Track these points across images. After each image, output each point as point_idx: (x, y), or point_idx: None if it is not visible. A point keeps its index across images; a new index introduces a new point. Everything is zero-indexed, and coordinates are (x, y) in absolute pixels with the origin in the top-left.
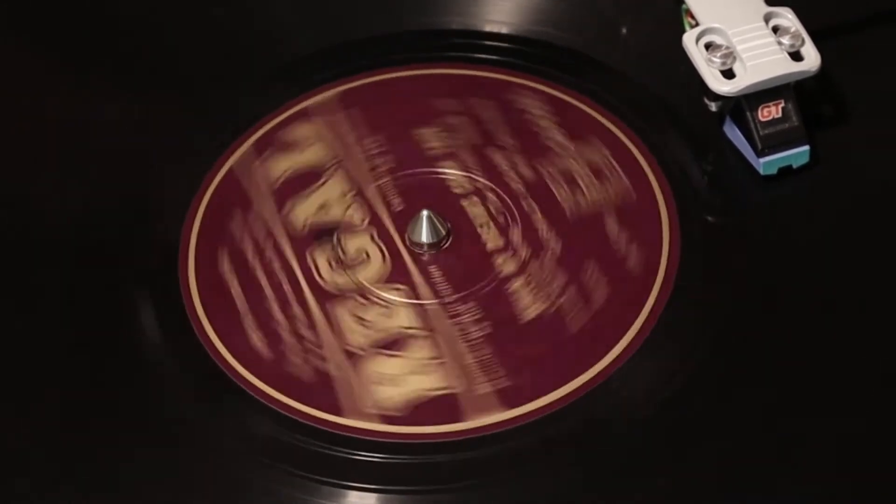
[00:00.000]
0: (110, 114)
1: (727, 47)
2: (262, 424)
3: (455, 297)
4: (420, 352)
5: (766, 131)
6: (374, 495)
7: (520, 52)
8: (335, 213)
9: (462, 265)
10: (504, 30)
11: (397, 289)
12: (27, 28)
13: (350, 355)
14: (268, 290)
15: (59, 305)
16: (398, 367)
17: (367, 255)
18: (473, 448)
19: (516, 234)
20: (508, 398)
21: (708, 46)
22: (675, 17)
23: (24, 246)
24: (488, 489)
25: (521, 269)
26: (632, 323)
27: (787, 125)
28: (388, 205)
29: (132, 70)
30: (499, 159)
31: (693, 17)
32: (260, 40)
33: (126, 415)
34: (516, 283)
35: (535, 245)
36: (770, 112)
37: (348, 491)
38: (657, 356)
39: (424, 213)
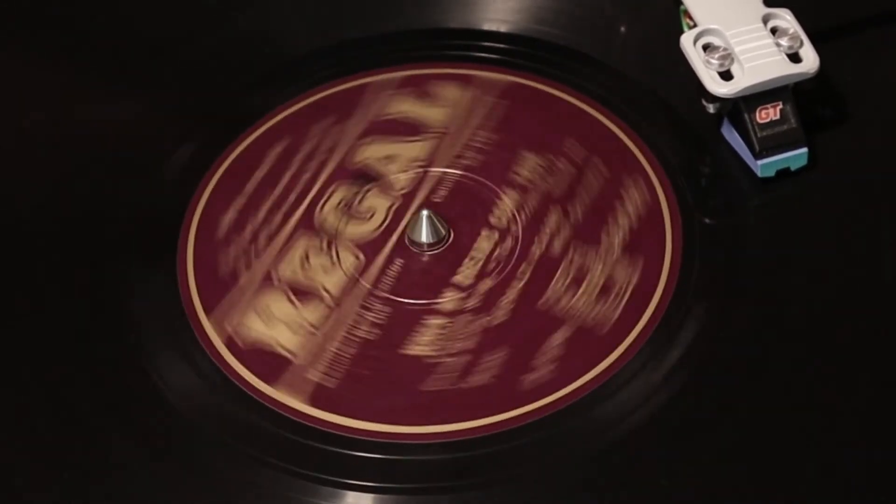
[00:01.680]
0: (108, 114)
1: (725, 48)
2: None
3: (383, 294)
4: (311, 313)
5: (764, 133)
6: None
7: (519, 50)
8: (392, 168)
9: (418, 276)
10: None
11: (356, 256)
12: (26, 28)
13: (266, 277)
14: (275, 195)
15: (55, 305)
16: (283, 312)
17: (371, 217)
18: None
19: (485, 285)
20: (313, 396)
21: (706, 48)
22: (674, 16)
23: (23, 246)
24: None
25: (455, 313)
26: (637, 319)
27: (785, 127)
28: (433, 191)
29: (131, 70)
30: (550, 221)
31: (691, 18)
32: (253, 40)
33: (120, 412)
34: (434, 321)
35: (487, 303)
36: (768, 114)
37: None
38: (661, 354)
39: (424, 212)
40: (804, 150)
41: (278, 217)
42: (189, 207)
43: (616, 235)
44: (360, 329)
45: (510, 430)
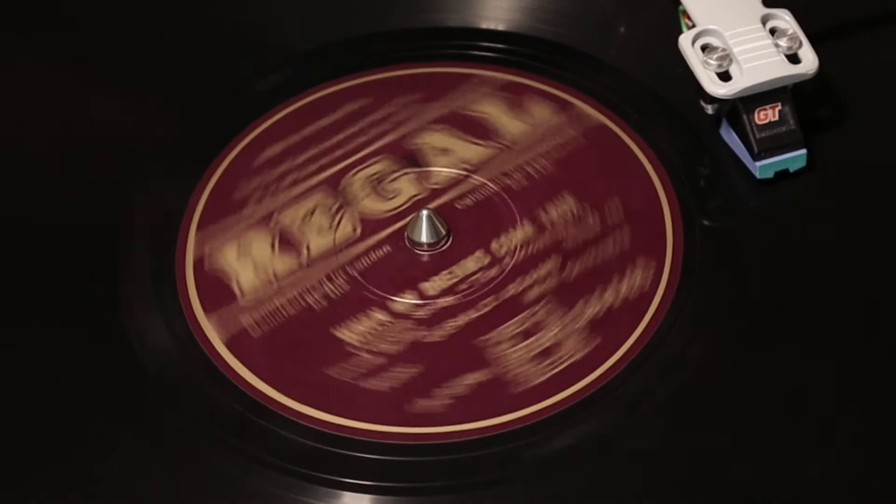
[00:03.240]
0: (106, 114)
1: (723, 49)
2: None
3: (352, 273)
4: (282, 264)
5: (763, 135)
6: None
7: (518, 49)
8: (441, 161)
9: (393, 269)
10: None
11: (354, 229)
12: (26, 28)
13: (267, 216)
14: (324, 146)
15: (52, 309)
16: (259, 253)
17: (393, 198)
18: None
19: (443, 303)
20: (232, 338)
21: (704, 48)
22: (674, 15)
23: (21, 248)
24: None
25: (397, 316)
26: (637, 320)
27: (783, 128)
28: (461, 197)
29: (128, 70)
30: (542, 269)
31: (690, 19)
32: (252, 40)
33: (120, 412)
34: (378, 315)
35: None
36: (767, 115)
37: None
38: (662, 354)
39: (424, 212)
40: (803, 151)
41: (313, 167)
42: (243, 130)
43: (591, 308)
44: (311, 295)
45: (362, 441)
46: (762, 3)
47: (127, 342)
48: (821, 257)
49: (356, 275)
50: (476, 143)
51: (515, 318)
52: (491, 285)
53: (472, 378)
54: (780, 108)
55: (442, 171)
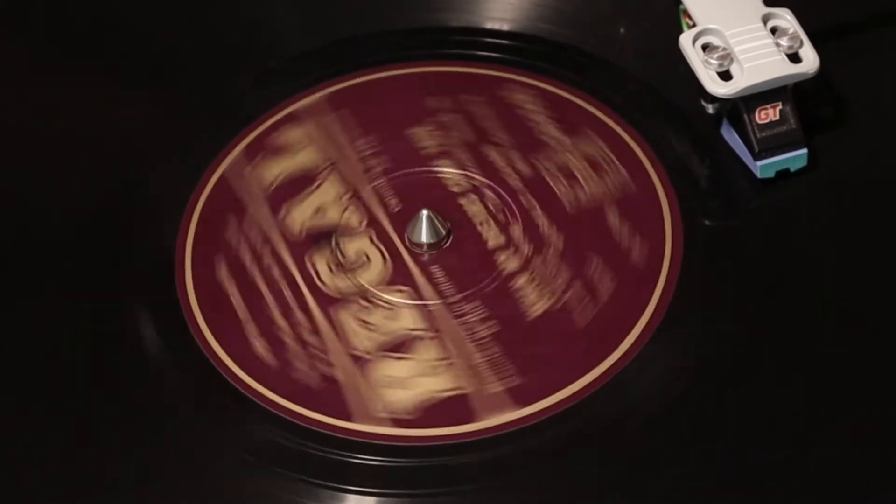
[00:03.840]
0: (104, 113)
1: (724, 48)
2: (270, 432)
3: (459, 296)
4: (427, 353)
5: (764, 134)
6: (388, 500)
7: (517, 48)
8: (332, 215)
9: (464, 264)
10: (504, 27)
11: (400, 290)
12: (23, 27)
13: (356, 359)
14: (268, 297)
15: (54, 315)
16: (406, 369)
17: (368, 257)
18: (486, 449)
19: (517, 231)
20: (519, 397)
21: (705, 47)
22: (675, 15)
23: (19, 250)
24: (501, 490)
25: (525, 266)
26: (637, 319)
27: (784, 128)
28: (385, 206)
29: (127, 70)
30: (495, 156)
31: (690, 18)
32: (251, 40)
33: (129, 425)
34: (520, 280)
35: (537, 241)
36: (767, 114)
37: (363, 497)
38: (662, 354)
39: (424, 212)
40: (804, 150)
41: (299, 315)
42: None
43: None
44: (478, 332)
45: (522, 430)
46: (763, 3)
47: (126, 342)
48: (821, 258)
49: (462, 299)
50: (317, 186)
51: (591, 234)
52: (541, 227)
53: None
54: (780, 107)
55: (344, 215)
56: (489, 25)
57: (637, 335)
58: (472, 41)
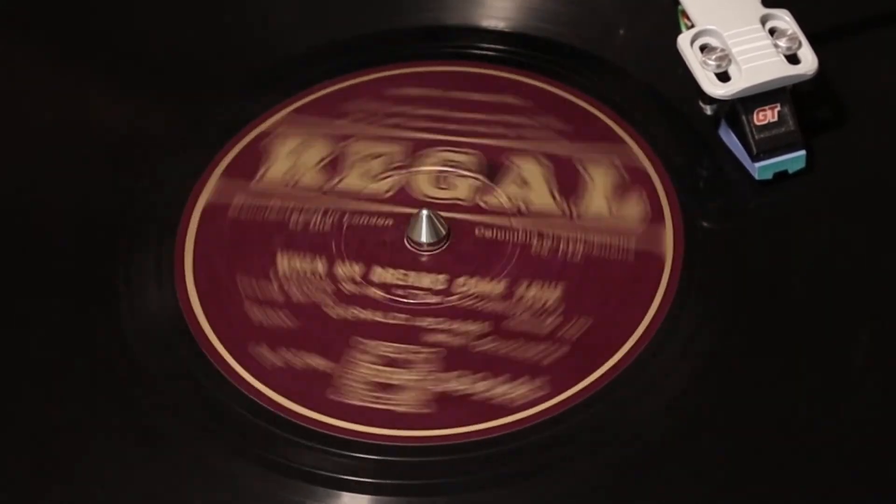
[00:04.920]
0: (104, 113)
1: (722, 49)
2: (271, 432)
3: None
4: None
5: (762, 136)
6: (387, 500)
7: (517, 48)
8: (509, 190)
9: (370, 242)
10: (501, 26)
11: (388, 189)
12: (23, 27)
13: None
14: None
15: (54, 315)
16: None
17: (446, 188)
18: (481, 450)
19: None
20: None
21: (703, 48)
22: (675, 15)
23: (17, 248)
24: (495, 493)
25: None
26: (638, 321)
27: (783, 129)
28: (490, 226)
29: (127, 70)
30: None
31: (689, 18)
32: (252, 39)
33: (129, 425)
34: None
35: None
36: (766, 116)
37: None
38: (662, 357)
39: (424, 212)
40: (802, 152)
41: (421, 124)
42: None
43: (459, 385)
44: (297, 215)
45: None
46: (761, 3)
47: (126, 340)
48: (820, 259)
49: (344, 224)
50: (552, 195)
51: (398, 345)
52: (417, 307)
53: (314, 361)
54: (779, 108)
55: (501, 196)
56: (487, 25)
57: (637, 337)
58: (469, 42)
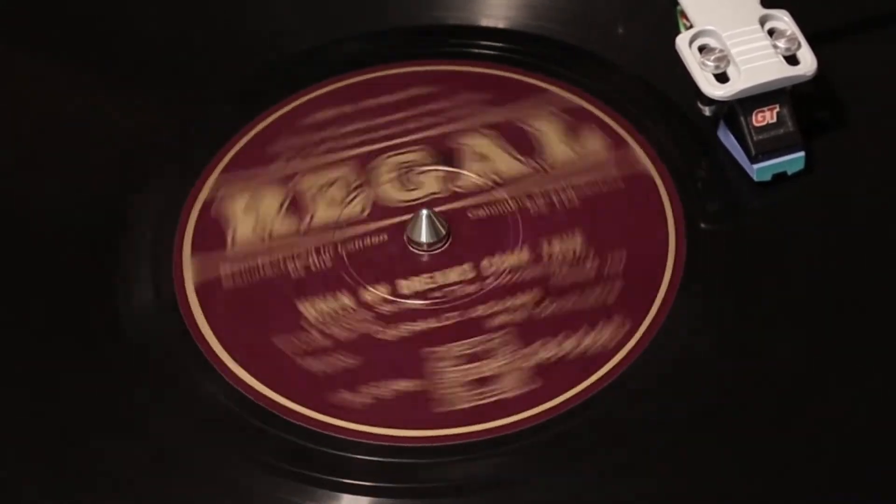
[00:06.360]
0: (104, 113)
1: (721, 50)
2: (270, 432)
3: (339, 252)
4: (282, 226)
5: (760, 137)
6: (387, 500)
7: (517, 47)
8: (474, 168)
9: (382, 259)
10: (501, 24)
11: (363, 209)
12: (26, 28)
13: (289, 176)
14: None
15: (53, 314)
16: (266, 210)
17: (413, 190)
18: (480, 452)
19: (410, 305)
20: (203, 284)
21: (702, 49)
22: (674, 15)
23: (16, 248)
24: (494, 493)
25: (360, 306)
26: (638, 322)
27: (781, 130)
28: (478, 207)
29: (127, 70)
30: (517, 299)
31: (688, 19)
32: (252, 39)
33: (128, 425)
34: (344, 300)
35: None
36: (764, 117)
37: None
38: (663, 356)
39: (424, 212)
40: (801, 153)
41: (353, 140)
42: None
43: (548, 352)
44: (293, 262)
45: (268, 411)
46: (760, 4)
47: (125, 341)
48: (819, 260)
49: (343, 254)
50: (516, 158)
51: (469, 340)
52: (462, 301)
53: (401, 385)
54: (778, 109)
55: (471, 176)
56: (487, 24)
57: (638, 338)
58: (469, 40)
